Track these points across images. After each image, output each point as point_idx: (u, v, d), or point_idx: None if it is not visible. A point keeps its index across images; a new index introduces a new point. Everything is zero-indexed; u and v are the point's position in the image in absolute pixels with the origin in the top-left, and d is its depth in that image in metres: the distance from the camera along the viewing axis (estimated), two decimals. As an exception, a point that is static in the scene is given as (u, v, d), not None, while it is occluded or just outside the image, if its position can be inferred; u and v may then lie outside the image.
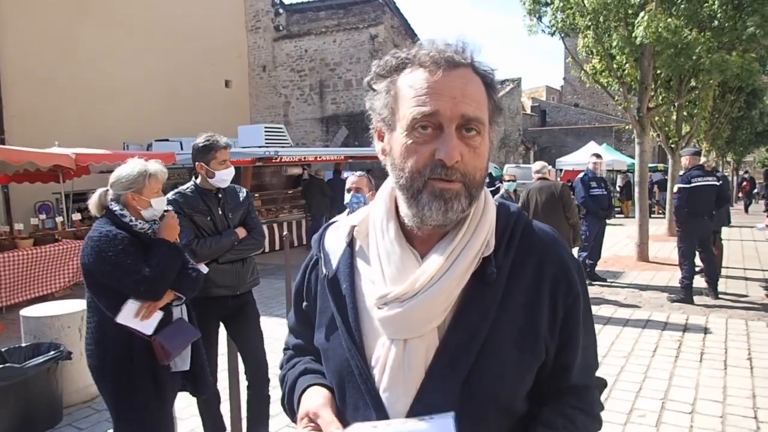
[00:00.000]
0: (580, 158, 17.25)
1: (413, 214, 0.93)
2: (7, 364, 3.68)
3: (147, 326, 2.41)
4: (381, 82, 0.98)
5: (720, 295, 7.12)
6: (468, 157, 0.91)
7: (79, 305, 4.45)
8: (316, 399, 1.03)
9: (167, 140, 12.32)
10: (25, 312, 4.32)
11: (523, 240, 1.00)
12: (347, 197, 3.50)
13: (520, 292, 0.96)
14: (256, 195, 11.60)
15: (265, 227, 8.95)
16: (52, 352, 3.86)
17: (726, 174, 20.09)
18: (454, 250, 0.94)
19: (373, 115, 1.01)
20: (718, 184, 6.99)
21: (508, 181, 7.49)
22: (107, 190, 2.52)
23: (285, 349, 1.27)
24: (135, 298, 2.39)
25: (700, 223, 6.95)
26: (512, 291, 0.95)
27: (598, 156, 8.58)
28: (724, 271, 8.79)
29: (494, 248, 0.96)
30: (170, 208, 2.74)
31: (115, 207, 2.46)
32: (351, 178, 3.61)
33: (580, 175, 8.33)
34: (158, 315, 2.45)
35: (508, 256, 0.97)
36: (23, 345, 4.07)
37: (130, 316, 2.37)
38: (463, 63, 0.92)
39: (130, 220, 2.47)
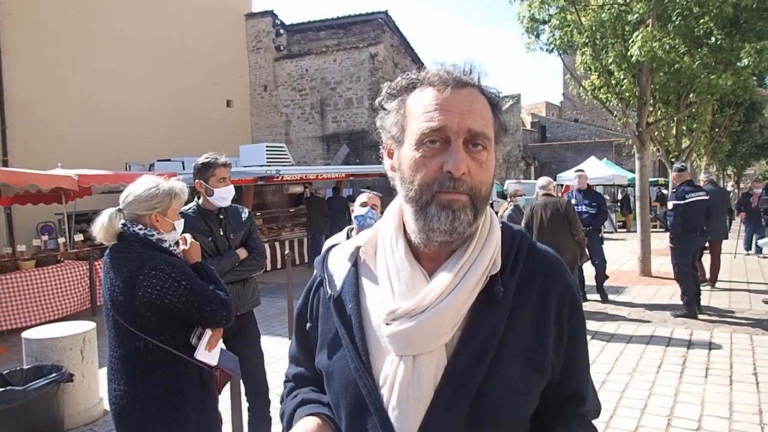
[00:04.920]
0: (581, 173, 17.25)
1: (420, 228, 0.96)
2: (8, 387, 3.66)
3: (213, 356, 2.23)
4: (391, 102, 1.01)
5: (724, 310, 7.10)
6: (475, 170, 0.93)
7: (81, 327, 4.45)
8: (298, 429, 1.04)
9: (169, 160, 12.40)
10: (27, 334, 4.31)
11: (528, 260, 1.02)
12: (362, 210, 3.49)
13: (526, 311, 0.98)
14: (257, 214, 11.62)
15: (266, 246, 8.97)
16: (54, 375, 3.84)
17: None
18: (462, 267, 0.96)
19: (383, 134, 1.04)
20: (707, 198, 7.03)
21: (520, 196, 7.53)
22: (118, 211, 2.22)
23: (285, 381, 1.26)
24: (211, 326, 2.21)
25: (694, 239, 7.00)
26: (519, 310, 0.97)
27: (579, 171, 8.53)
28: (727, 285, 8.80)
29: (501, 267, 0.98)
30: None
31: (145, 230, 2.18)
32: (366, 195, 3.65)
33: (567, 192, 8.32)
34: (220, 343, 2.29)
35: (515, 276, 0.99)
36: (25, 367, 4.05)
37: (203, 348, 2.18)
38: (470, 83, 0.96)
39: (170, 245, 2.22)
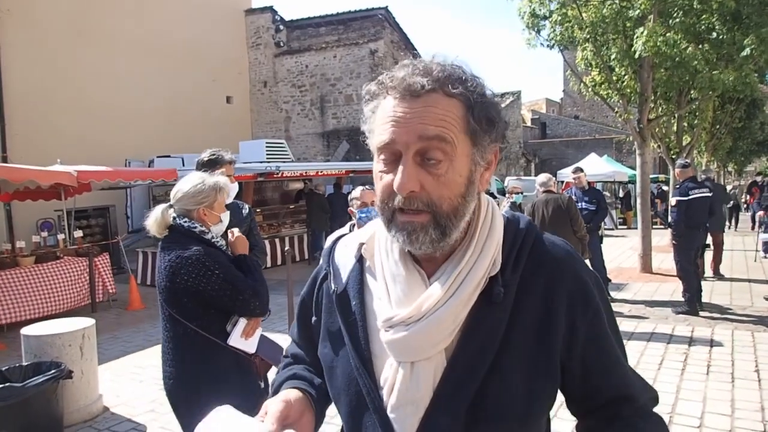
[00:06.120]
0: (581, 170, 17.18)
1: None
2: (7, 384, 3.65)
3: (251, 345, 2.34)
4: (368, 106, 0.97)
5: (725, 307, 7.10)
6: (431, 186, 0.87)
7: (81, 323, 4.43)
8: (277, 397, 1.03)
9: (169, 156, 12.39)
10: (26, 330, 4.29)
11: (532, 255, 0.96)
12: (358, 213, 3.45)
13: (530, 310, 0.93)
14: (257, 210, 11.59)
15: (266, 242, 8.94)
16: (53, 371, 3.82)
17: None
18: (460, 272, 0.92)
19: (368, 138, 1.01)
20: (710, 195, 7.02)
21: (516, 193, 7.49)
22: (169, 206, 2.38)
23: (284, 356, 1.27)
24: (246, 316, 2.31)
25: (696, 235, 6.99)
26: (521, 310, 0.92)
27: (577, 170, 8.39)
28: (728, 281, 8.79)
29: (502, 265, 0.93)
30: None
31: (189, 223, 2.34)
32: (354, 193, 3.58)
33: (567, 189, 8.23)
34: (259, 331, 2.40)
35: (516, 273, 0.94)
36: (24, 364, 4.03)
37: (238, 336, 2.29)
38: (428, 88, 0.87)
39: (212, 237, 2.36)
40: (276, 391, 1.12)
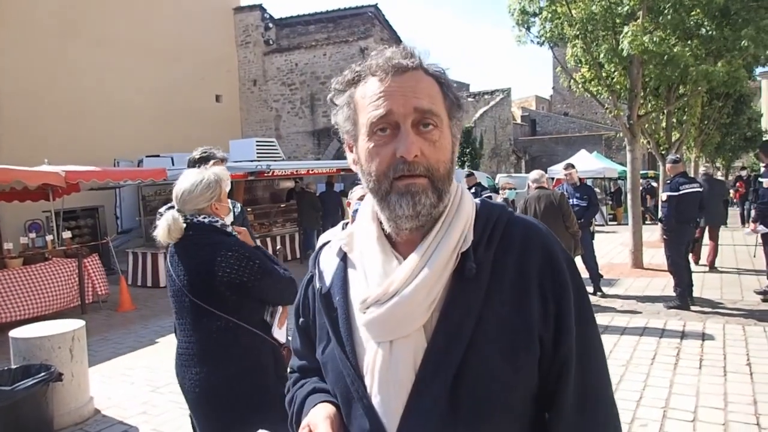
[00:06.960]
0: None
1: (387, 217, 0.95)
2: (-5, 388, 3.60)
3: (283, 334, 2.33)
4: (341, 97, 1.01)
5: (716, 301, 7.15)
6: (429, 151, 0.92)
7: (70, 325, 4.37)
8: (318, 413, 1.04)
9: (158, 156, 12.30)
10: (15, 333, 4.23)
11: (505, 233, 0.98)
12: (354, 205, 3.45)
13: (505, 287, 0.94)
14: (248, 209, 11.53)
15: (258, 241, 8.88)
16: (43, 374, 3.78)
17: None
18: (429, 246, 0.94)
19: (340, 129, 1.04)
20: (701, 190, 7.07)
21: (509, 189, 7.50)
22: (178, 210, 2.31)
23: (290, 372, 1.27)
24: (282, 304, 2.34)
25: (687, 230, 7.03)
26: (496, 286, 0.94)
27: (568, 166, 8.42)
28: (718, 275, 8.86)
29: (475, 243, 0.96)
30: None
31: (210, 218, 2.30)
32: (361, 188, 3.59)
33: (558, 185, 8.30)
34: (286, 320, 2.39)
35: (489, 251, 0.96)
36: (13, 367, 3.98)
37: (275, 325, 2.28)
38: (411, 66, 0.95)
39: (232, 230, 2.35)
40: (300, 409, 1.11)
